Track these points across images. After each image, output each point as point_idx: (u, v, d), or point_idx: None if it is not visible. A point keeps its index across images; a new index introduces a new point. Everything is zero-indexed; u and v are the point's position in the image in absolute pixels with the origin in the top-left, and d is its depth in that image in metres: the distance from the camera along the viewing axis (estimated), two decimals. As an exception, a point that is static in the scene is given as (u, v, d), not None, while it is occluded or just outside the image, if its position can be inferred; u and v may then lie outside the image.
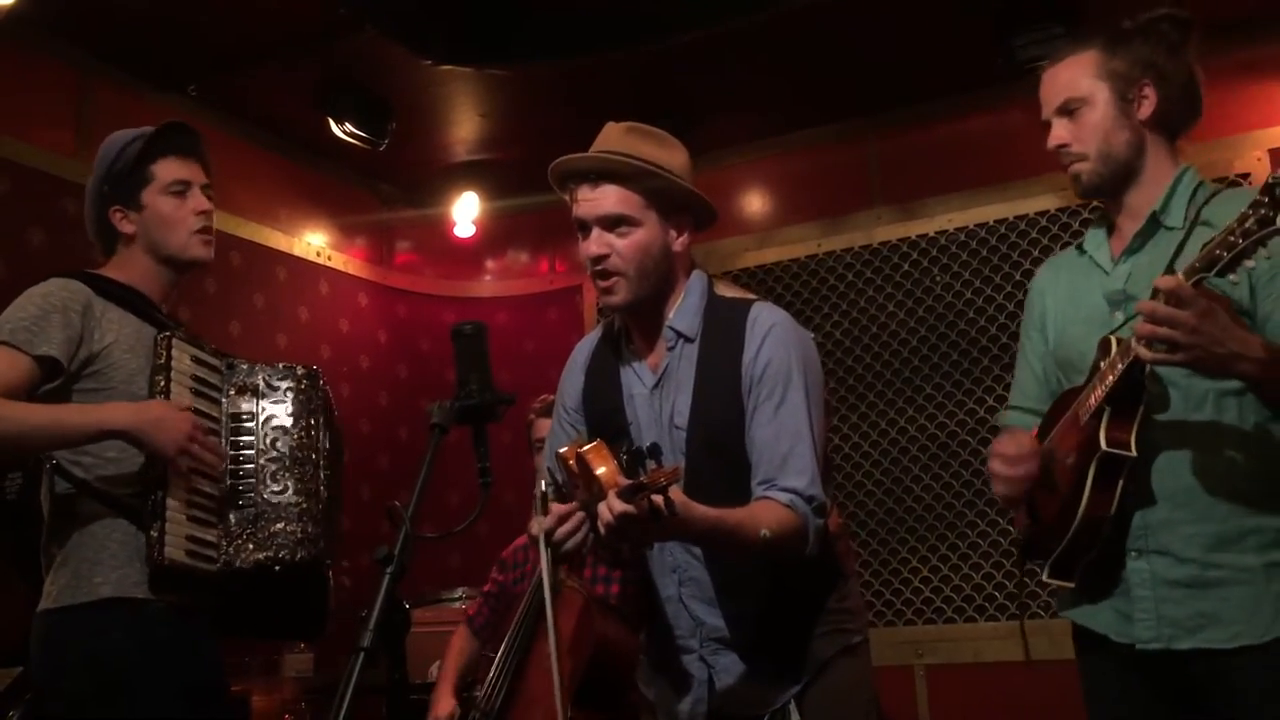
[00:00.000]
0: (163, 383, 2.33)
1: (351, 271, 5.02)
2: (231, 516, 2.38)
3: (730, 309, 2.22)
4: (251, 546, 2.36)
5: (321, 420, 2.53)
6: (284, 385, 2.51)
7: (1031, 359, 2.26)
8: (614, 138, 2.21)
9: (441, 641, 3.75)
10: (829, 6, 3.82)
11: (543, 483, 2.04)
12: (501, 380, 1.94)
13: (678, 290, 2.23)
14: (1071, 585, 2.05)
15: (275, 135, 4.62)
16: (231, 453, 2.42)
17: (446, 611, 4.21)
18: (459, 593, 4.35)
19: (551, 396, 2.85)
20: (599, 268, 2.17)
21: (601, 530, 1.81)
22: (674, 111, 4.40)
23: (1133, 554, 1.99)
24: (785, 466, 2.08)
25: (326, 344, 4.70)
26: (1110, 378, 1.90)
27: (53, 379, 2.28)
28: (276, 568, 2.36)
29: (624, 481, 1.78)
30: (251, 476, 2.42)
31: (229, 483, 2.40)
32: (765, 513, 2.03)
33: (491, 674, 3.20)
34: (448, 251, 5.42)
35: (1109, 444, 1.90)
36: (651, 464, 1.73)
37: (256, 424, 2.46)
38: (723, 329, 2.19)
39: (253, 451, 2.44)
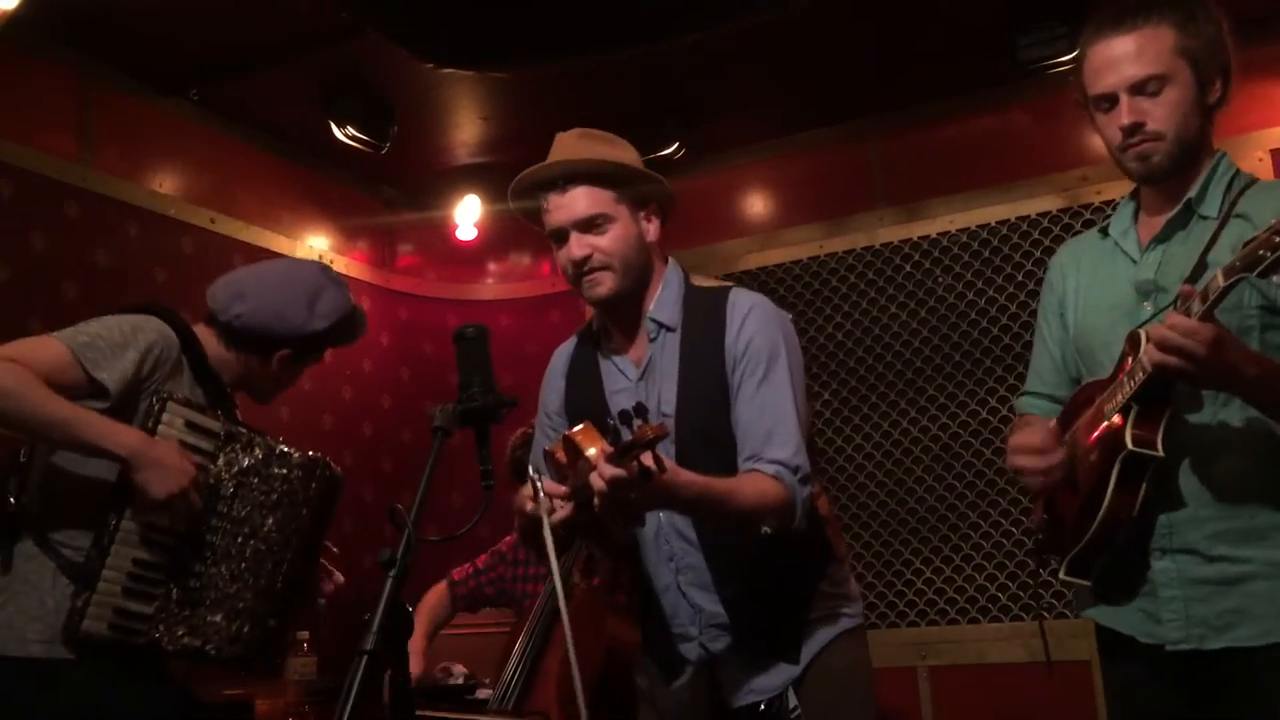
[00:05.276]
0: None
1: (354, 275, 5.01)
2: (174, 591, 2.31)
3: (709, 296, 2.28)
4: (182, 631, 2.31)
5: (303, 514, 2.42)
6: (275, 470, 2.41)
7: (1050, 344, 2.19)
8: (569, 145, 2.27)
9: (445, 643, 3.76)
10: (830, 7, 3.82)
11: (535, 478, 2.03)
12: (504, 383, 1.94)
13: (656, 282, 2.29)
14: (1089, 584, 2.01)
15: (277, 139, 4.62)
16: (203, 527, 2.34)
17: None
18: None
19: (529, 430, 2.85)
20: (585, 267, 2.21)
21: (596, 502, 1.82)
22: (676, 113, 4.43)
23: (1156, 553, 1.94)
24: (770, 440, 2.12)
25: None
26: (1140, 375, 1.84)
27: (98, 400, 2.26)
28: (201, 660, 2.34)
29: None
30: (211, 556, 2.34)
31: (186, 554, 2.32)
32: (752, 483, 2.07)
33: (506, 672, 3.21)
34: (450, 254, 5.41)
35: (1135, 443, 1.85)
36: (638, 421, 1.75)
37: (232, 505, 2.37)
38: (703, 315, 2.24)
39: (220, 531, 2.36)
